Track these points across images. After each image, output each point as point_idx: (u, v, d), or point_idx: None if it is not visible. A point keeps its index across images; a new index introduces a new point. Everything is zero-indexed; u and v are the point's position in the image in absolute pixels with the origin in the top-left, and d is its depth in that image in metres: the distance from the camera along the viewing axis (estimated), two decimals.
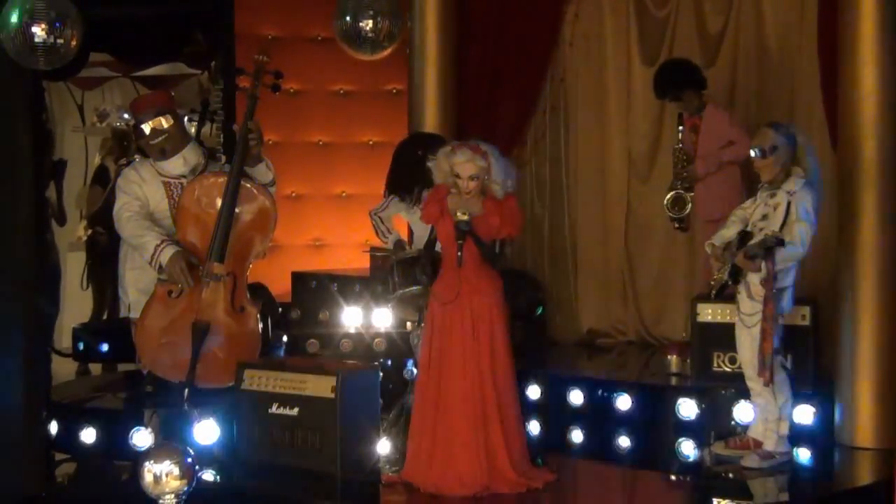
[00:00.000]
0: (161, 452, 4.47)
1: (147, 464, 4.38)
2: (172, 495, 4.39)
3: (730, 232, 6.32)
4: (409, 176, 7.38)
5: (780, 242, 5.93)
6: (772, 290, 5.98)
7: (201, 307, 6.54)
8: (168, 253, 6.43)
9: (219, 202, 6.53)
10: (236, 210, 6.55)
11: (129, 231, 6.62)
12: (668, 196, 7.95)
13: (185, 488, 4.43)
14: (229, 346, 6.57)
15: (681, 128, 7.94)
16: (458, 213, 5.64)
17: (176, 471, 4.37)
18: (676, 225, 8.07)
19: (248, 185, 6.60)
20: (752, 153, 6.23)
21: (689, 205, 7.90)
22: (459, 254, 5.62)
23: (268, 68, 6.67)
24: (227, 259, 6.56)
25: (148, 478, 4.37)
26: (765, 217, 6.19)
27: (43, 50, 6.61)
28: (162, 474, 4.36)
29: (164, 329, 6.58)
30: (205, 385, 6.57)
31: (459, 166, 5.67)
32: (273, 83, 6.69)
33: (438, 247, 6.18)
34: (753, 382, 6.27)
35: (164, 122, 6.65)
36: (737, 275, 6.16)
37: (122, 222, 6.64)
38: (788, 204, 6.08)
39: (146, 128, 6.67)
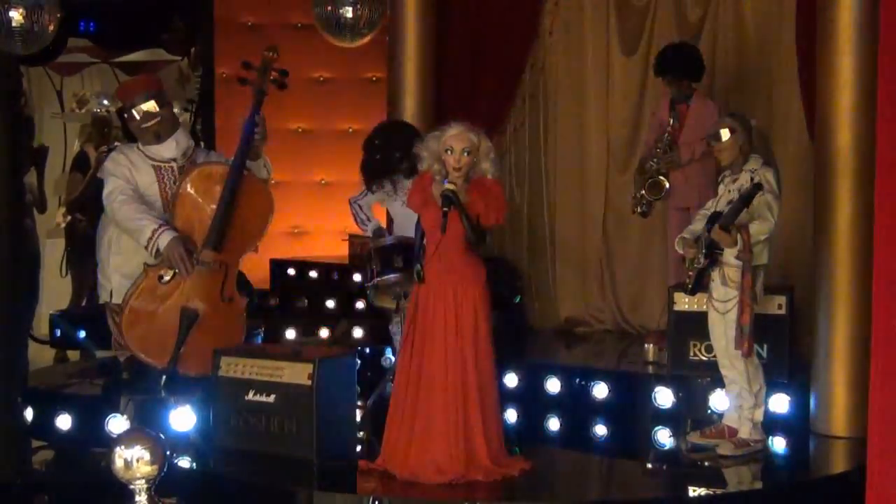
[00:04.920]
0: (132, 438, 4.44)
1: (118, 449, 4.35)
2: (143, 480, 4.36)
3: (698, 226, 6.33)
4: (371, 167, 7.35)
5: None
6: (749, 262, 5.98)
7: (191, 295, 6.50)
8: (166, 238, 6.33)
9: (218, 192, 6.48)
10: (235, 202, 6.52)
11: (123, 215, 6.44)
12: (648, 181, 7.84)
13: (157, 474, 4.41)
14: (214, 335, 6.51)
15: (672, 114, 7.89)
16: (446, 184, 5.52)
17: (147, 456, 4.34)
18: (640, 209, 7.95)
19: (250, 179, 6.57)
20: (710, 142, 6.27)
21: (664, 191, 7.82)
22: (444, 220, 5.48)
23: (274, 66, 6.62)
24: (221, 249, 6.53)
25: (119, 463, 4.34)
26: (731, 202, 6.19)
27: (20, 34, 6.56)
28: (133, 459, 4.33)
29: (150, 314, 6.49)
30: (186, 373, 6.54)
31: (453, 139, 5.55)
32: (280, 81, 6.63)
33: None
34: (727, 370, 6.29)
35: (156, 105, 6.55)
36: (712, 253, 6.16)
37: (115, 206, 6.45)
38: (752, 180, 6.09)
39: (136, 112, 6.54)
